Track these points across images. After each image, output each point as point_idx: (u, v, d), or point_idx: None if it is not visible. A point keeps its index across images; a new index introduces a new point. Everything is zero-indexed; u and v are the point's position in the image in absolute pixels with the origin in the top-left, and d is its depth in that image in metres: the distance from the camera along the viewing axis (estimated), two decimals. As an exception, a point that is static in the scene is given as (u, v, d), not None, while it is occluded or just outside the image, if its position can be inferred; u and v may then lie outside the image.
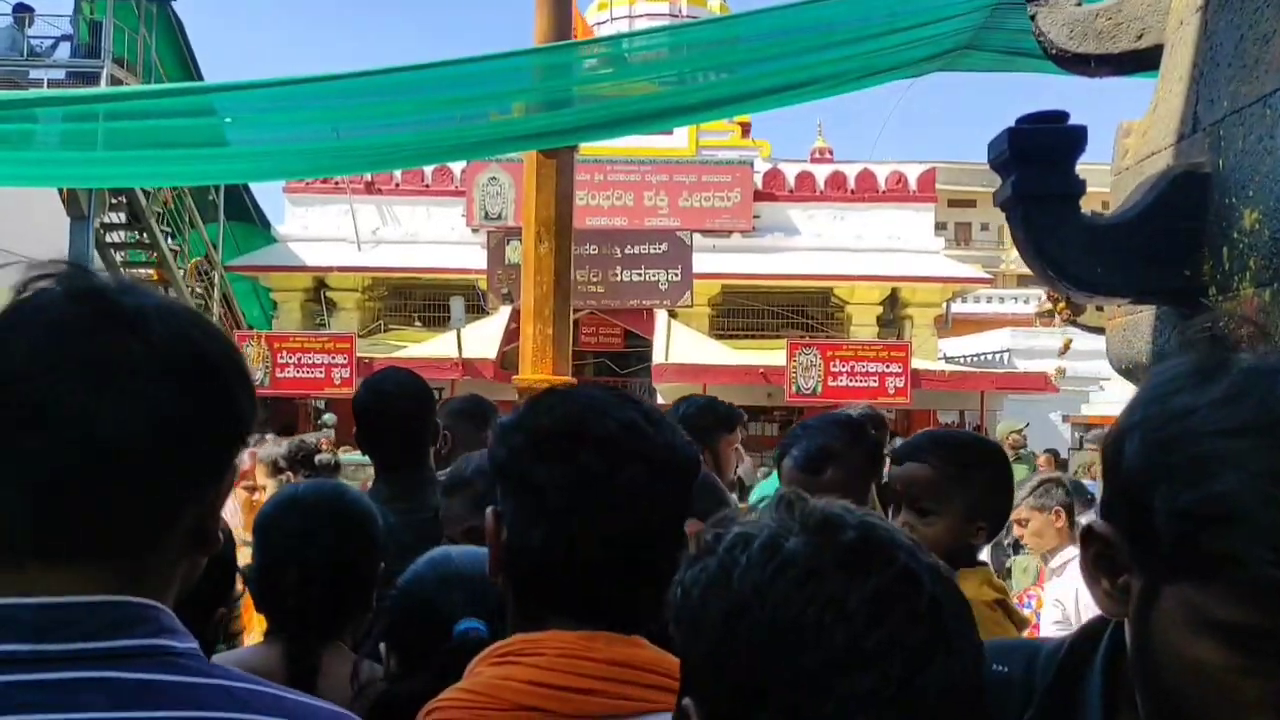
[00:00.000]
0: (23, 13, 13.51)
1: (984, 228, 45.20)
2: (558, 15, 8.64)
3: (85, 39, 13.41)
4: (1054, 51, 2.37)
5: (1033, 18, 2.39)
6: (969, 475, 1.77)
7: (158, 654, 0.80)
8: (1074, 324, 2.89)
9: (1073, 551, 3.85)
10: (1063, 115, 1.94)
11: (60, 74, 13.05)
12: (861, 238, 16.01)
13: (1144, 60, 2.27)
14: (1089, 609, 2.35)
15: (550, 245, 8.47)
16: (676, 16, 17.05)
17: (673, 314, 14.85)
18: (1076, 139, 1.93)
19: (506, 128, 8.42)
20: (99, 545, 0.81)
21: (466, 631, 1.35)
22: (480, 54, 7.71)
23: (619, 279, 14.55)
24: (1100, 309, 2.58)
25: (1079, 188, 1.94)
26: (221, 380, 0.86)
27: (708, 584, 0.71)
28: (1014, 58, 7.27)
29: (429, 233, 16.50)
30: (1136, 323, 2.14)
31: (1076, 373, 15.89)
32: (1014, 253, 31.33)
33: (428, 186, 16.57)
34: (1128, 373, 2.30)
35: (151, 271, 14.75)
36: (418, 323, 17.17)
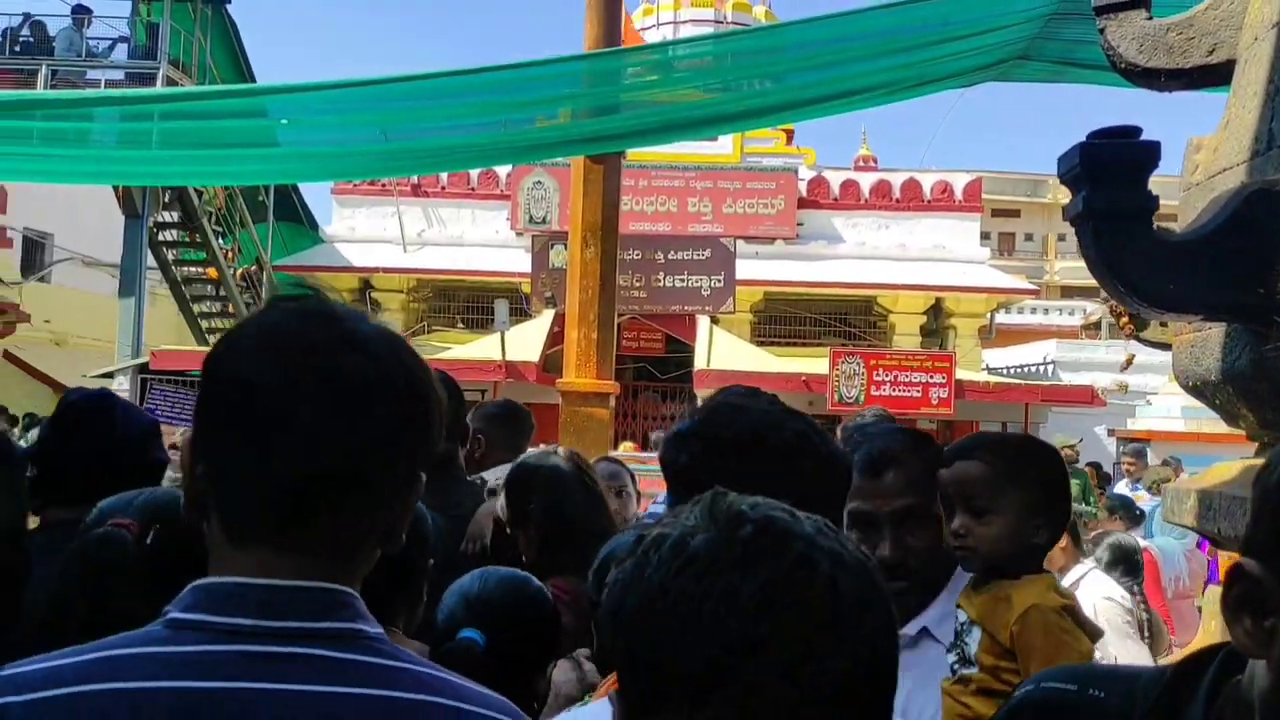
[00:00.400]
0: (81, 14, 13.80)
1: (1028, 238, 44.73)
2: (607, 22, 8.71)
3: (142, 41, 13.67)
4: (1123, 65, 2.35)
5: (1102, 31, 2.38)
6: (1023, 471, 1.71)
7: (356, 637, 0.90)
8: (1137, 339, 2.86)
9: (1082, 569, 3.80)
10: (1135, 130, 1.93)
11: (118, 75, 13.31)
12: (905, 247, 15.93)
13: (1215, 75, 2.25)
14: (1103, 625, 2.36)
15: (596, 250, 8.52)
16: (721, 23, 17.07)
17: (715, 320, 14.85)
18: (1150, 155, 1.92)
19: (554, 132, 8.49)
20: (320, 539, 0.92)
21: (462, 640, 1.53)
22: (528, 59, 7.80)
23: (661, 284, 14.57)
24: (1164, 324, 2.56)
25: (1152, 204, 1.93)
26: (425, 400, 0.97)
27: (625, 582, 0.75)
28: (1067, 68, 7.21)
29: (474, 236, 16.63)
30: (1206, 339, 2.12)
31: (1131, 387, 15.68)
32: (1059, 264, 31.01)
33: (473, 190, 16.70)
34: (1195, 390, 2.28)
35: (206, 270, 15.01)
36: (460, 325, 17.30)
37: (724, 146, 15.66)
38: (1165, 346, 2.51)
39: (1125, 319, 2.61)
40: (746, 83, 8.09)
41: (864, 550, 0.79)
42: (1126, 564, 4.29)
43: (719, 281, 14.40)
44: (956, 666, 1.72)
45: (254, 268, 16.02)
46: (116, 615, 1.01)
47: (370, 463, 0.92)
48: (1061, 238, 46.26)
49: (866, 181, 16.38)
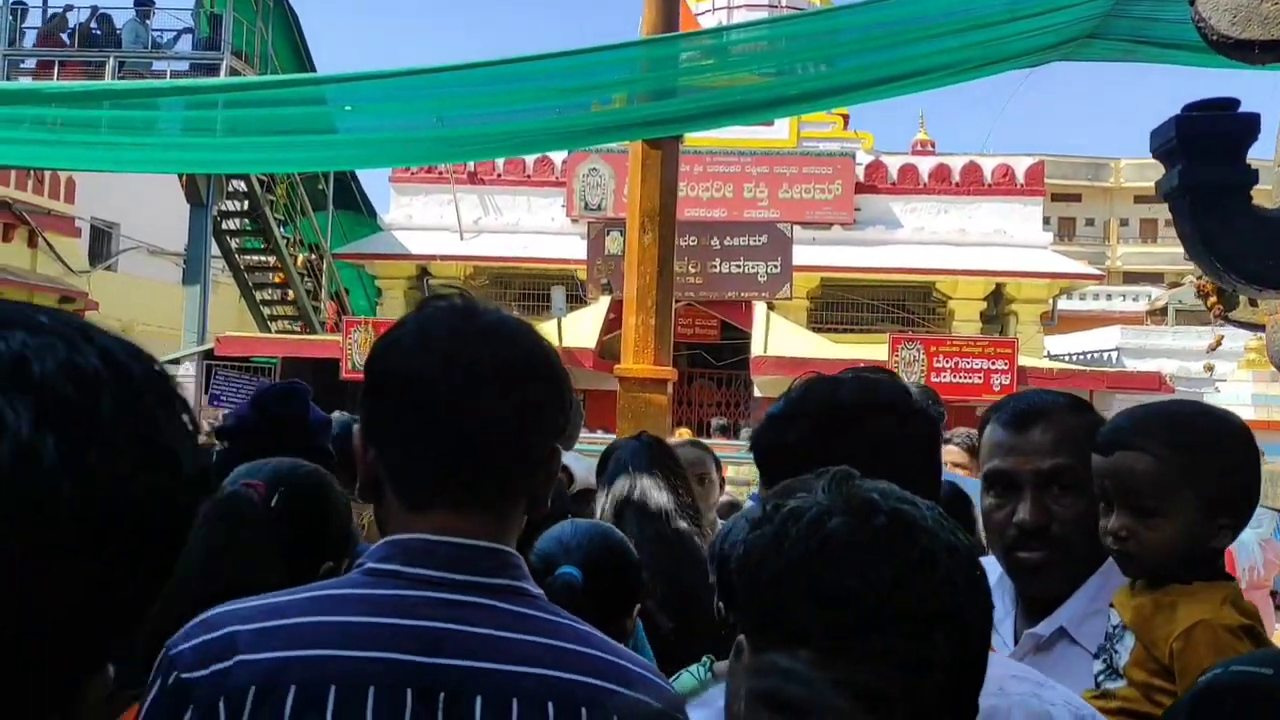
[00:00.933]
0: (145, 6, 14.05)
1: (1089, 223, 43.84)
2: (665, 7, 8.66)
3: (206, 32, 13.90)
4: (1215, 38, 2.28)
5: (1192, 3, 2.31)
6: (1203, 464, 1.40)
7: (523, 593, 1.06)
8: (1226, 319, 2.77)
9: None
10: (1233, 102, 1.87)
11: (182, 66, 13.55)
12: (965, 231, 15.69)
13: (1313, 46, 2.17)
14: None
15: (654, 236, 8.50)
16: (775, 7, 16.92)
17: (771, 307, 14.77)
18: (1249, 128, 1.85)
19: (611, 116, 8.48)
20: (485, 505, 1.07)
21: (560, 576, 1.70)
22: (583, 47, 7.80)
23: (717, 270, 14.51)
24: (1255, 304, 2.48)
25: (1251, 178, 1.86)
26: (557, 380, 1.12)
27: (764, 549, 0.86)
28: (1139, 46, 7.03)
29: (529, 223, 16.70)
30: (1303, 319, 2.05)
31: (1190, 373, 15.35)
32: (1121, 249, 30.30)
33: (529, 177, 16.76)
34: (1290, 370, 2.21)
35: (274, 274, 15.27)
36: (516, 312, 17.35)
37: (780, 131, 15.53)
38: (1256, 327, 2.43)
39: (1214, 299, 2.53)
40: (804, 66, 8.02)
41: (974, 541, 0.90)
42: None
43: (775, 267, 14.30)
44: (1101, 678, 1.46)
45: (314, 256, 16.26)
46: (244, 567, 1.24)
47: (517, 437, 1.07)
48: (1124, 222, 45.26)
49: (925, 165, 16.15)
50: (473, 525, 1.05)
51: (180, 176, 13.07)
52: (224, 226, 15.23)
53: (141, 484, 0.54)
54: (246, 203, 14.96)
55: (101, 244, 19.64)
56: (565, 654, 1.02)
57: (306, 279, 16.18)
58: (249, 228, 15.55)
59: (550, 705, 0.98)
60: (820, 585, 0.81)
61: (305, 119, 8.18)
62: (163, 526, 0.56)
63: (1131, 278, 37.92)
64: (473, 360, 1.05)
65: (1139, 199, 45.34)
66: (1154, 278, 36.98)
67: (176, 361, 14.42)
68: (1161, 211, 45.05)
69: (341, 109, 8.18)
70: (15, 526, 0.49)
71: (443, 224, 16.74)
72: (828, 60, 7.83)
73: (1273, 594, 7.09)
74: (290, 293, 15.86)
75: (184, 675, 0.98)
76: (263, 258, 15.95)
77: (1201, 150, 1.86)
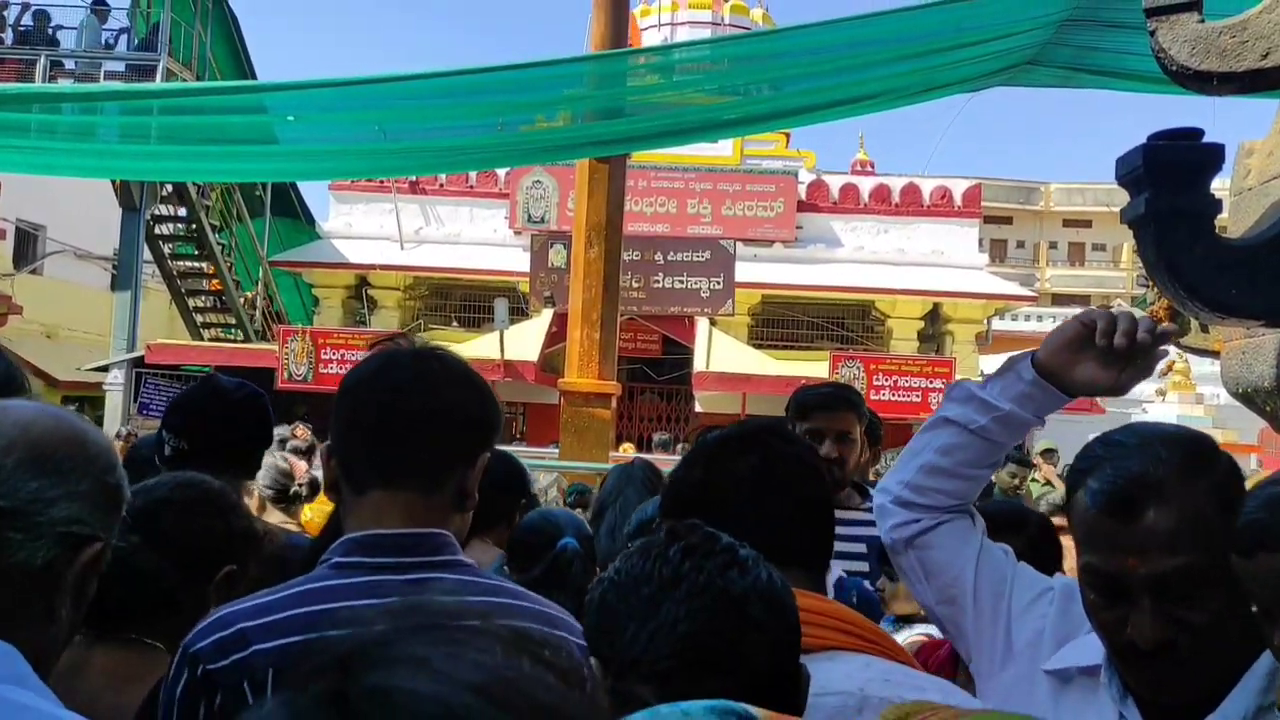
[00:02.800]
0: (101, 5, 13.66)
1: (1019, 245, 44.84)
2: (615, 22, 8.66)
3: (143, 33, 13.58)
4: (1174, 68, 2.32)
5: (1153, 33, 2.35)
6: None
7: (463, 564, 1.34)
8: (1179, 345, 2.83)
9: None
10: (1198, 132, 1.91)
11: (118, 67, 13.22)
12: (904, 251, 15.94)
13: (1268, 79, 2.23)
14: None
15: (600, 250, 8.48)
16: (719, 25, 17.06)
17: (713, 322, 14.84)
18: (1214, 157, 1.90)
19: (558, 135, 8.44)
20: (411, 484, 1.34)
21: (565, 546, 2.19)
22: (530, 60, 7.76)
23: (660, 285, 14.54)
24: (1206, 331, 2.55)
25: (1214, 207, 1.90)
26: (487, 391, 1.43)
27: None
28: (1077, 74, 7.21)
29: (471, 234, 16.58)
30: (1259, 346, 2.10)
31: (1127, 396, 15.71)
32: (1050, 271, 30.98)
33: (471, 188, 16.65)
34: (1245, 397, 2.26)
35: (204, 265, 14.94)
36: (456, 324, 17.25)
37: (724, 149, 15.64)
38: (1208, 353, 2.48)
39: (1166, 324, 2.58)
40: (754, 87, 8.07)
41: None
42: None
43: (718, 283, 14.38)
44: None
45: (256, 293, 15.98)
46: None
47: (431, 432, 1.34)
48: (1053, 245, 46.40)
49: (866, 185, 16.39)
50: (401, 506, 1.32)
51: (114, 180, 12.74)
52: (157, 231, 14.87)
53: None
54: (182, 208, 14.62)
55: (27, 247, 19.06)
56: (510, 606, 1.34)
57: (242, 290, 15.86)
58: (183, 233, 15.20)
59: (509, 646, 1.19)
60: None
61: (245, 128, 8.01)
62: None
63: (1060, 299, 38.87)
64: (400, 373, 1.36)
65: (1068, 223, 46.53)
66: (1081, 299, 37.94)
67: (105, 369, 14.02)
68: (1089, 235, 46.33)
69: (284, 119, 8.03)
70: None
71: (383, 233, 16.55)
72: (773, 83, 7.89)
73: None
74: (224, 299, 15.53)
75: (208, 666, 1.21)
76: (197, 264, 15.60)
77: (1167, 178, 1.89)
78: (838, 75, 7.35)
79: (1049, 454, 9.85)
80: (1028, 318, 25.75)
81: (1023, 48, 6.78)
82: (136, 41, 13.46)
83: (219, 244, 15.16)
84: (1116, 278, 44.82)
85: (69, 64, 13.24)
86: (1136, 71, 6.82)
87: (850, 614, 1.37)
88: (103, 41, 13.26)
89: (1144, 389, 16.82)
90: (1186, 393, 14.54)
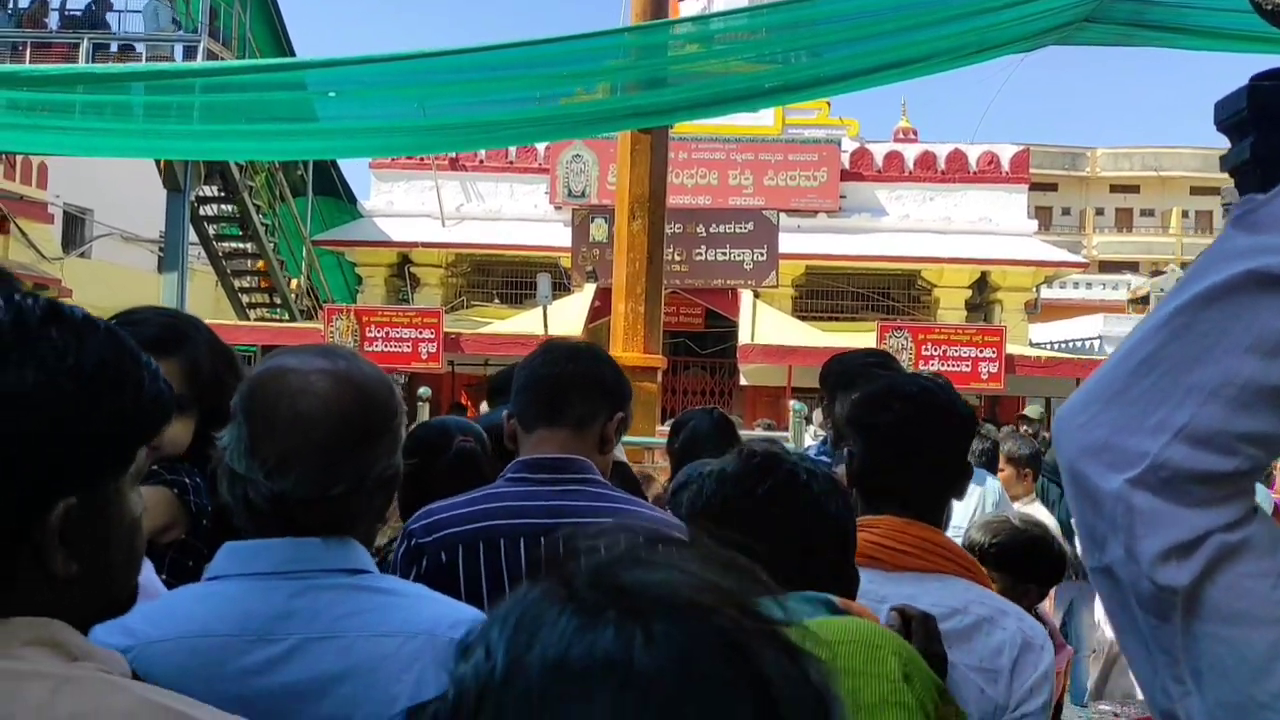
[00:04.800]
0: None
1: (1065, 212, 44.08)
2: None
3: (183, 14, 13.62)
4: (1269, 7, 2.18)
5: (1244, -28, 2.21)
6: None
7: (597, 482, 1.85)
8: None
9: None
10: (1306, 72, 1.76)
11: (168, 49, 13.26)
12: (951, 219, 15.66)
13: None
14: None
15: (643, 222, 8.37)
16: (755, -6, 16.81)
17: (757, 294, 14.69)
18: (1324, 98, 1.74)
19: (600, 106, 8.35)
20: (567, 426, 1.89)
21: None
22: (566, 34, 7.65)
23: (703, 258, 14.41)
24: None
25: (1325, 152, 1.75)
26: (619, 369, 2.05)
27: (694, 495, 1.50)
28: (1137, 30, 6.97)
29: (512, 210, 16.53)
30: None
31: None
32: (1096, 238, 30.40)
33: (511, 164, 16.59)
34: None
35: (249, 245, 15.03)
36: (498, 300, 17.25)
37: (765, 118, 15.42)
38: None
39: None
40: (795, 54, 7.90)
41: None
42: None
43: (762, 255, 14.21)
44: None
45: (302, 278, 16.05)
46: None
47: (583, 391, 1.90)
48: (1099, 212, 45.54)
49: (911, 153, 16.11)
50: (558, 441, 1.85)
51: (157, 162, 12.81)
52: (201, 213, 14.97)
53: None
54: (224, 189, 14.70)
55: (75, 230, 19.32)
56: (625, 511, 1.82)
57: (286, 271, 15.96)
58: (227, 214, 15.29)
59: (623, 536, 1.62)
60: (720, 512, 1.42)
61: (286, 106, 7.99)
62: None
63: (1107, 267, 38.17)
64: (559, 354, 1.92)
65: (1115, 188, 45.63)
66: (1130, 266, 37.20)
67: (154, 350, 14.15)
68: (1137, 201, 45.40)
69: (325, 95, 8.01)
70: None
71: (424, 211, 16.55)
72: (814, 49, 7.71)
73: None
74: (268, 279, 15.63)
75: (419, 540, 1.78)
76: (241, 245, 15.70)
77: (1275, 121, 1.75)
78: (885, 38, 7.17)
79: None
80: (1076, 285, 25.29)
81: (1078, 3, 6.56)
82: (177, 23, 13.49)
83: (263, 224, 15.24)
84: (1166, 244, 43.93)
85: (114, 47, 13.30)
86: (1199, 26, 6.58)
87: (954, 545, 1.80)
88: (168, 23, 13.27)
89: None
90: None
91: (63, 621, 0.81)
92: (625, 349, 8.18)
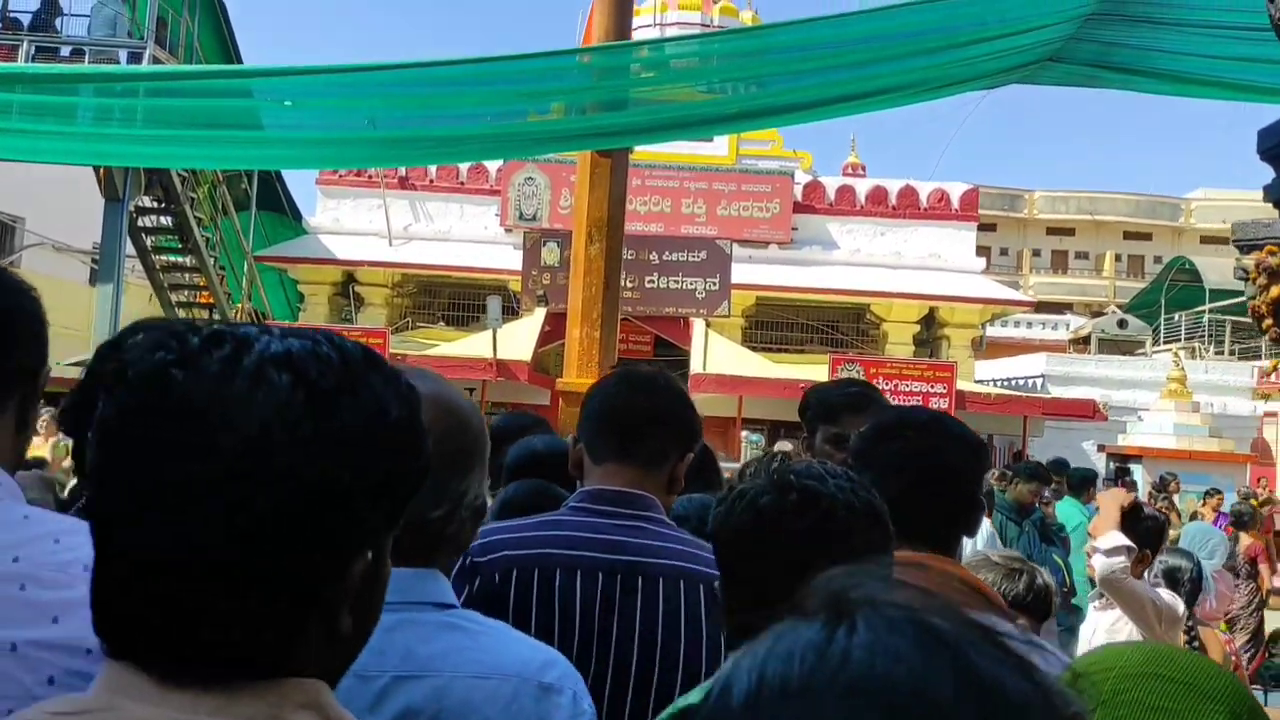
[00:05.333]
0: None
1: (1003, 252, 44.97)
2: (619, 15, 8.43)
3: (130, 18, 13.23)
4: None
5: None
6: None
7: (663, 521, 1.79)
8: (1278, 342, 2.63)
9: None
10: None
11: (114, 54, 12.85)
12: (901, 255, 15.78)
13: None
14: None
15: (601, 247, 8.23)
16: (708, 27, 16.87)
17: (708, 324, 14.62)
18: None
19: (554, 126, 8.22)
20: (637, 461, 1.82)
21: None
22: (526, 51, 7.54)
23: (655, 285, 14.32)
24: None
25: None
26: (693, 405, 2.01)
27: (720, 522, 1.37)
28: (1101, 71, 7.02)
29: (461, 231, 16.31)
30: None
31: (1115, 402, 15.63)
32: (1034, 278, 31.04)
33: (462, 184, 16.39)
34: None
35: (188, 259, 14.61)
36: (443, 322, 16.98)
37: (719, 148, 15.44)
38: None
39: (1269, 321, 2.40)
40: (763, 81, 7.86)
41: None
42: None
43: (714, 284, 14.17)
44: None
45: (246, 303, 15.64)
46: None
47: (660, 429, 1.85)
48: (1036, 253, 46.54)
49: (862, 187, 16.23)
50: (627, 476, 1.77)
51: (96, 170, 12.39)
52: (139, 224, 14.51)
53: None
54: (165, 199, 14.27)
55: (4, 238, 18.65)
56: (685, 553, 1.72)
57: (225, 282, 15.51)
58: (166, 226, 14.84)
59: (681, 581, 1.69)
60: (752, 546, 1.29)
61: (232, 113, 7.76)
62: None
63: (1043, 307, 38.90)
64: (636, 384, 1.85)
65: (1051, 230, 46.64)
66: (1065, 307, 37.98)
67: (83, 365, 13.66)
68: (1072, 244, 46.50)
69: (277, 104, 7.79)
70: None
71: (371, 229, 16.26)
72: (781, 76, 7.67)
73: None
74: (207, 294, 15.18)
75: (474, 559, 1.67)
76: (180, 258, 15.25)
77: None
78: (853, 70, 7.16)
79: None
80: (1017, 324, 25.68)
81: (1046, 42, 6.60)
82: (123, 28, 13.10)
83: (204, 238, 14.81)
84: (1100, 286, 44.98)
85: (64, 51, 12.88)
86: (1162, 70, 6.65)
87: (978, 580, 1.82)
88: (125, 31, 12.86)
89: (1137, 398, 16.71)
90: (1183, 400, 14.41)
91: (324, 683, 0.79)
92: (579, 375, 8.01)
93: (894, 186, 16.13)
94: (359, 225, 16.38)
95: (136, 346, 0.76)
